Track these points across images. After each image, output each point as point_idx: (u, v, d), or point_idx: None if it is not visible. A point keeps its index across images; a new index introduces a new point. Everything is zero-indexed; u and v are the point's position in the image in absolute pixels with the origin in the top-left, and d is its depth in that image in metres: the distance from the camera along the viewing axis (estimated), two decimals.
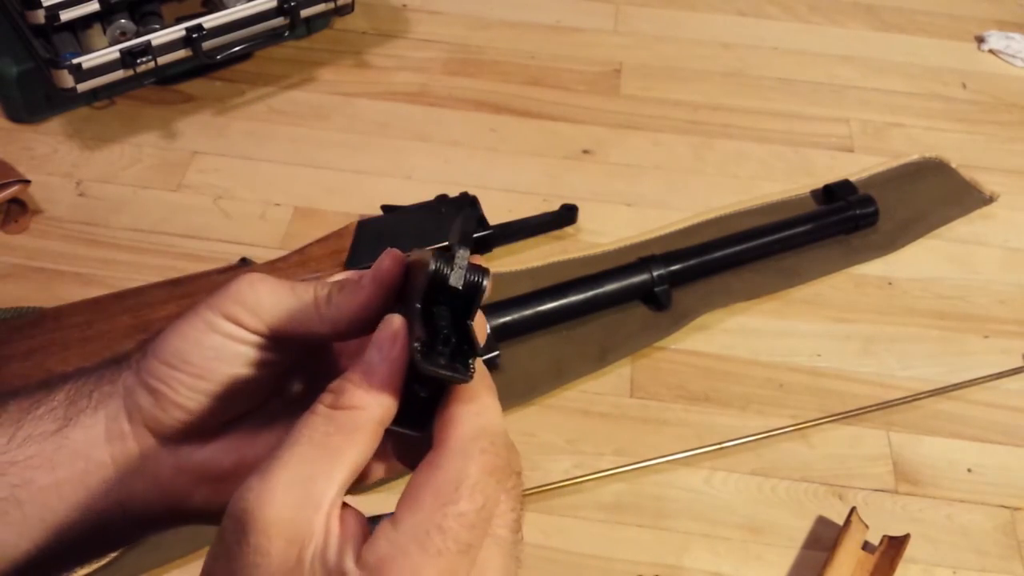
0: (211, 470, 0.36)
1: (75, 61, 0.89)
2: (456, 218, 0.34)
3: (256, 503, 0.28)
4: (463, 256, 0.31)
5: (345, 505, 0.30)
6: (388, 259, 0.34)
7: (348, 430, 0.30)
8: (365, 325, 0.34)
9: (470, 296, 0.31)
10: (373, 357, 0.31)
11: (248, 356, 0.35)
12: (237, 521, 0.28)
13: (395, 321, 0.31)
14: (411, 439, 0.32)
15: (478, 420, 0.30)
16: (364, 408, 0.30)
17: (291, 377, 0.38)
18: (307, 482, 0.28)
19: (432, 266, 0.31)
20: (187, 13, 0.99)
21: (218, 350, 0.34)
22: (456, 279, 0.31)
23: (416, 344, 0.30)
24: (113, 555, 0.68)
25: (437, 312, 0.31)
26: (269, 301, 0.35)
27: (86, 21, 0.93)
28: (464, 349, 0.31)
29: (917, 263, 0.92)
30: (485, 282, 0.31)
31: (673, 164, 1.00)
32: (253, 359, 0.35)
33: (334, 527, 0.29)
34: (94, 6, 0.91)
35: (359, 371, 0.31)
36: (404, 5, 1.15)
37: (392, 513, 0.29)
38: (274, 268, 0.82)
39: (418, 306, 0.31)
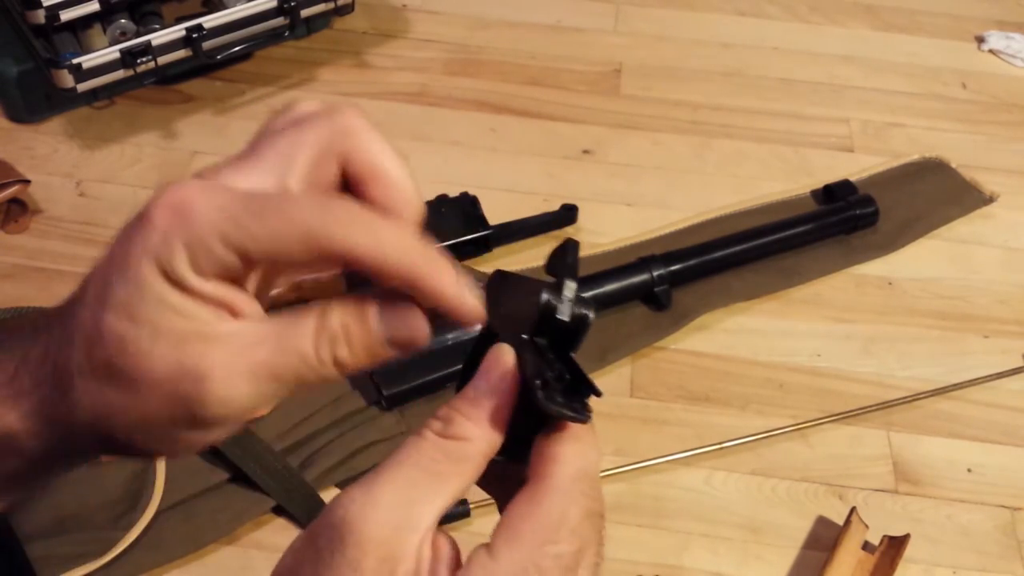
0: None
1: (75, 61, 0.89)
2: (561, 247, 0.32)
3: (359, 517, 0.28)
4: (571, 289, 0.31)
5: (440, 530, 0.29)
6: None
7: (455, 460, 0.30)
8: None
9: (576, 329, 0.31)
10: (484, 390, 0.30)
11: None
12: (335, 531, 0.28)
13: (507, 356, 0.31)
14: (498, 465, 0.32)
15: (582, 461, 0.30)
16: (473, 441, 0.30)
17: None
18: (409, 504, 0.28)
19: (543, 298, 0.31)
20: (187, 13, 0.99)
21: (173, 315, 0.28)
22: (564, 312, 0.31)
23: (537, 382, 0.29)
24: (113, 555, 0.68)
25: (539, 344, 0.31)
26: (223, 225, 0.27)
27: (86, 21, 0.93)
28: (580, 387, 0.31)
29: (917, 263, 0.92)
30: (591, 315, 0.31)
31: (673, 164, 1.00)
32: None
33: (427, 552, 0.29)
34: (94, 6, 0.91)
35: (469, 402, 0.30)
36: (404, 5, 1.15)
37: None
38: None
39: (526, 337, 0.31)
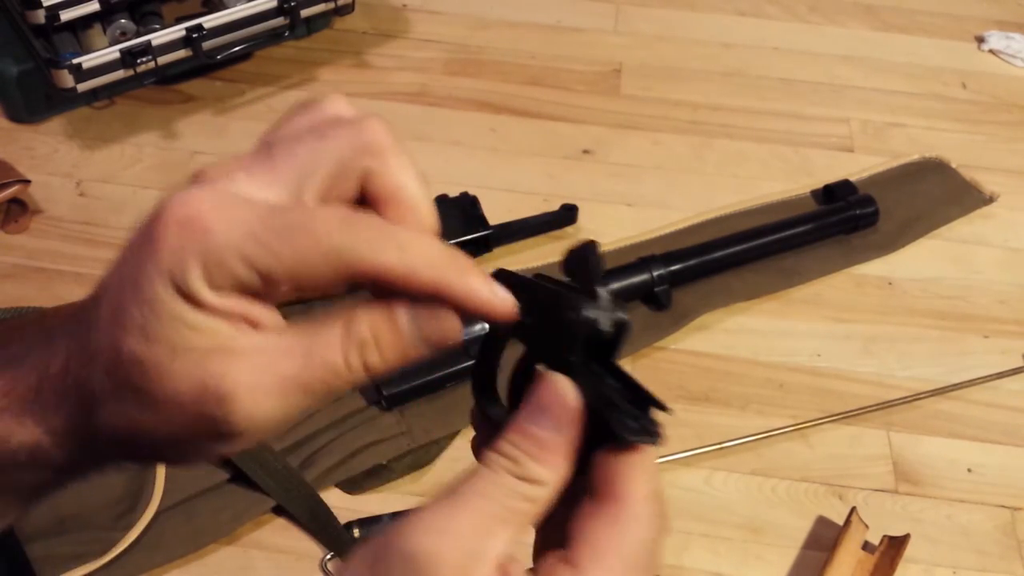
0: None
1: (75, 61, 0.89)
2: (580, 248, 0.31)
3: (435, 546, 0.28)
4: (606, 298, 0.30)
5: (510, 556, 0.30)
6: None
7: (529, 499, 0.30)
8: None
9: (617, 338, 0.30)
10: (552, 429, 0.30)
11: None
12: (408, 559, 0.28)
13: (569, 391, 0.30)
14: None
15: (653, 482, 0.30)
16: (546, 484, 0.30)
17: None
18: (484, 536, 0.29)
19: (588, 315, 0.29)
20: (187, 13, 0.99)
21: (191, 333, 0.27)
22: (606, 323, 0.30)
23: (616, 415, 0.29)
24: (113, 555, 0.68)
25: (591, 364, 0.30)
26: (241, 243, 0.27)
27: (86, 21, 0.93)
28: (643, 403, 0.30)
29: (917, 263, 0.92)
30: (628, 320, 0.30)
31: (673, 164, 1.00)
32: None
33: None
34: (94, 6, 0.91)
35: (539, 445, 0.30)
36: (404, 5, 1.15)
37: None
38: None
39: (575, 359, 0.30)
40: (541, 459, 0.29)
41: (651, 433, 0.29)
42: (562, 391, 0.30)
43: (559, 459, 0.30)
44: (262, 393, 0.28)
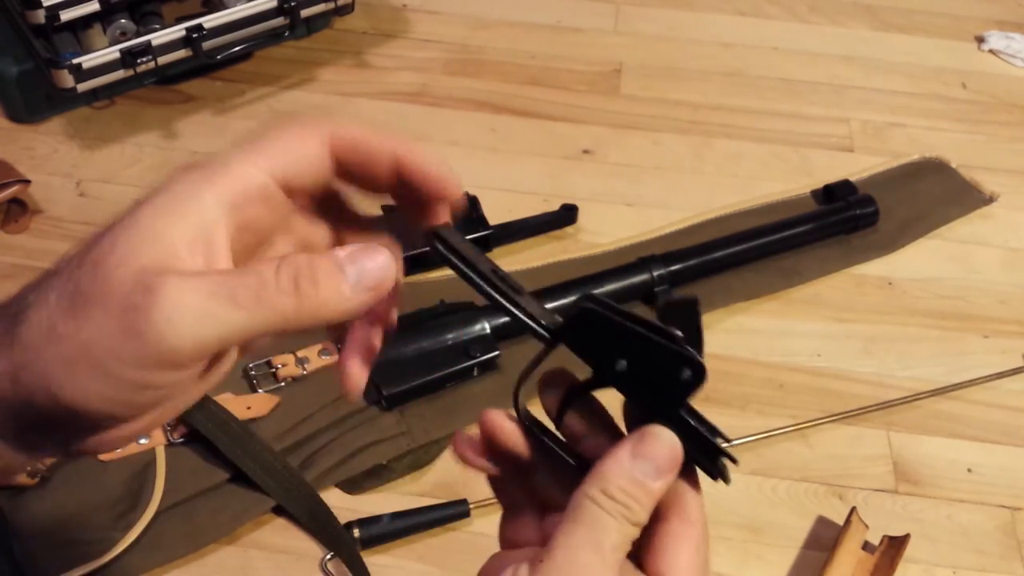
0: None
1: (75, 61, 0.89)
2: (684, 305, 0.34)
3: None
4: (688, 349, 0.34)
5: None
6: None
7: (633, 538, 0.33)
8: None
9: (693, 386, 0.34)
10: (661, 482, 0.33)
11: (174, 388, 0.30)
12: None
13: (679, 449, 0.33)
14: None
15: (702, 554, 0.35)
16: (643, 523, 0.33)
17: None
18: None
19: (690, 376, 0.34)
20: (187, 13, 0.99)
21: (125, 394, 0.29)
22: (697, 377, 0.34)
23: (705, 462, 0.34)
24: (113, 555, 0.68)
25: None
26: (209, 338, 0.29)
27: (86, 21, 0.93)
28: (715, 443, 0.34)
29: (917, 263, 0.92)
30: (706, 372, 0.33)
31: (673, 164, 1.00)
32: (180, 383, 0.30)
33: None
34: (94, 6, 0.91)
35: (647, 495, 0.33)
36: (404, 5, 1.15)
37: None
38: None
39: (682, 414, 0.34)
40: (649, 507, 0.33)
41: (726, 475, 0.34)
42: (674, 449, 0.33)
43: (655, 501, 0.33)
44: (189, 292, 0.28)
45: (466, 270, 0.33)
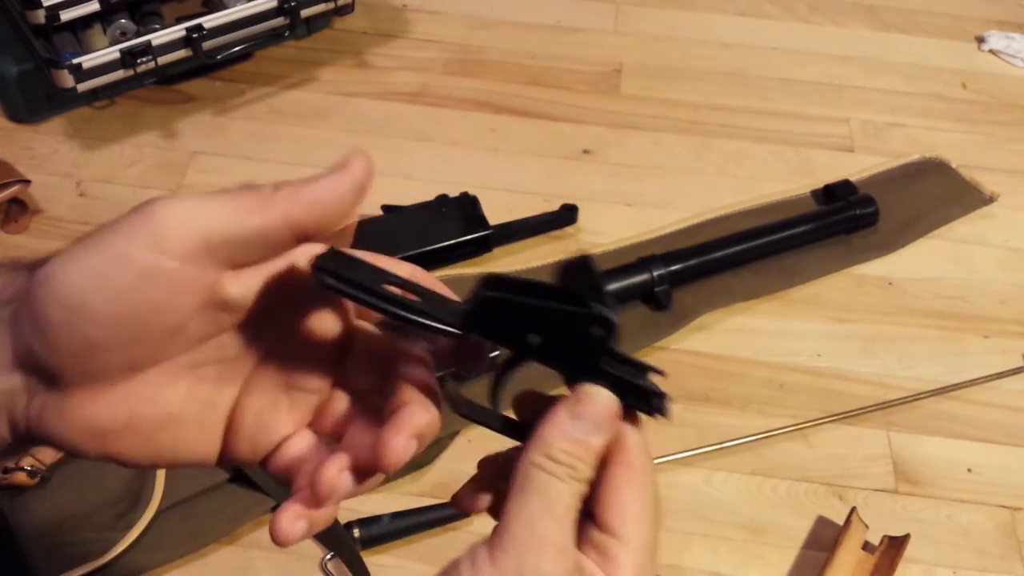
0: (97, 425, 0.33)
1: (75, 61, 0.89)
2: (577, 264, 0.34)
3: (545, 565, 0.32)
4: (609, 302, 0.33)
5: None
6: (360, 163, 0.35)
7: (582, 496, 0.34)
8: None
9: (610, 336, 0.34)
10: (601, 438, 0.33)
11: (172, 303, 0.31)
12: None
13: (613, 402, 0.34)
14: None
15: (648, 494, 0.35)
16: (590, 480, 0.34)
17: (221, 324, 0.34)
18: (569, 537, 0.33)
19: (610, 318, 0.33)
20: (187, 13, 0.99)
21: (131, 292, 0.31)
22: (608, 330, 0.33)
23: (640, 403, 0.34)
24: (113, 555, 0.68)
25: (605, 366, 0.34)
26: (206, 226, 0.31)
27: (86, 21, 0.93)
28: (645, 378, 0.34)
29: (917, 263, 0.92)
30: (616, 320, 0.33)
31: (673, 164, 1.00)
32: (179, 306, 0.32)
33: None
34: (94, 6, 0.91)
35: (589, 452, 0.33)
36: (404, 5, 1.15)
37: None
38: None
39: (605, 368, 0.33)
40: (594, 463, 0.33)
41: (664, 410, 0.34)
42: (608, 402, 0.33)
43: (601, 456, 0.34)
44: (192, 197, 0.32)
45: (358, 295, 0.33)
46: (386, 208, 0.89)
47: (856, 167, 0.99)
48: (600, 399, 0.33)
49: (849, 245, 0.92)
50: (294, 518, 0.34)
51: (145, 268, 0.30)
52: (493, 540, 0.32)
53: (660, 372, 0.34)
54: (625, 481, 0.34)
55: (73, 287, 0.31)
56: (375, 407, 0.36)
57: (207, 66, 1.00)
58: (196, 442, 0.35)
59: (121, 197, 0.92)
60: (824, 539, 0.72)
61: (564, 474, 0.33)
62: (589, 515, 0.34)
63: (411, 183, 0.95)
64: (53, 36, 0.92)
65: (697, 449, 0.77)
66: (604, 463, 0.34)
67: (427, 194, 0.90)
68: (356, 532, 0.70)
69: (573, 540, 0.32)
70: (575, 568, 0.32)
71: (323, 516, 0.35)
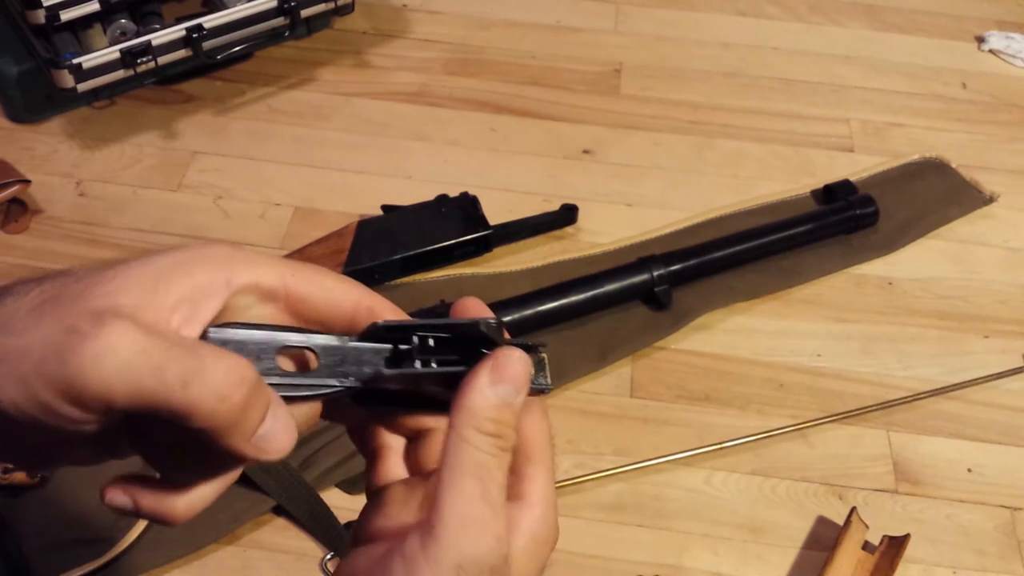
0: None
1: (75, 61, 0.89)
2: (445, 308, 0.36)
3: (477, 546, 0.31)
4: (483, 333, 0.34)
5: None
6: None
7: (507, 461, 0.33)
8: None
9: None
10: (519, 397, 0.33)
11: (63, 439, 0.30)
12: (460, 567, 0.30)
13: (526, 361, 0.33)
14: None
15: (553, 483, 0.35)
16: (513, 446, 0.33)
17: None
18: (500, 511, 0.32)
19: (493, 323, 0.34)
20: (187, 13, 0.99)
21: (46, 438, 0.29)
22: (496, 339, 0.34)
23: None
24: (113, 555, 0.68)
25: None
26: (135, 388, 0.28)
27: (86, 21, 0.93)
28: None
29: (917, 263, 0.92)
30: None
31: (673, 164, 1.00)
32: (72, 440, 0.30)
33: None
34: (94, 6, 0.91)
35: (512, 414, 0.33)
36: (404, 5, 1.15)
37: None
38: None
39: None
40: (516, 428, 0.33)
41: (545, 387, 0.35)
42: (524, 362, 0.33)
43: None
44: (129, 341, 0.28)
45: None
46: (386, 208, 0.89)
47: (856, 167, 0.99)
48: (517, 359, 0.33)
49: (849, 245, 0.92)
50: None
51: (47, 405, 0.28)
52: (425, 530, 0.30)
53: (543, 345, 0.36)
54: (526, 510, 0.34)
55: None
56: None
57: (207, 66, 1.00)
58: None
59: (121, 197, 0.92)
60: (824, 539, 0.72)
61: (494, 447, 0.32)
62: None
63: (411, 183, 0.95)
64: (53, 36, 0.92)
65: (697, 449, 0.77)
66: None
67: (427, 194, 0.90)
68: None
69: (504, 522, 0.31)
70: (506, 554, 0.31)
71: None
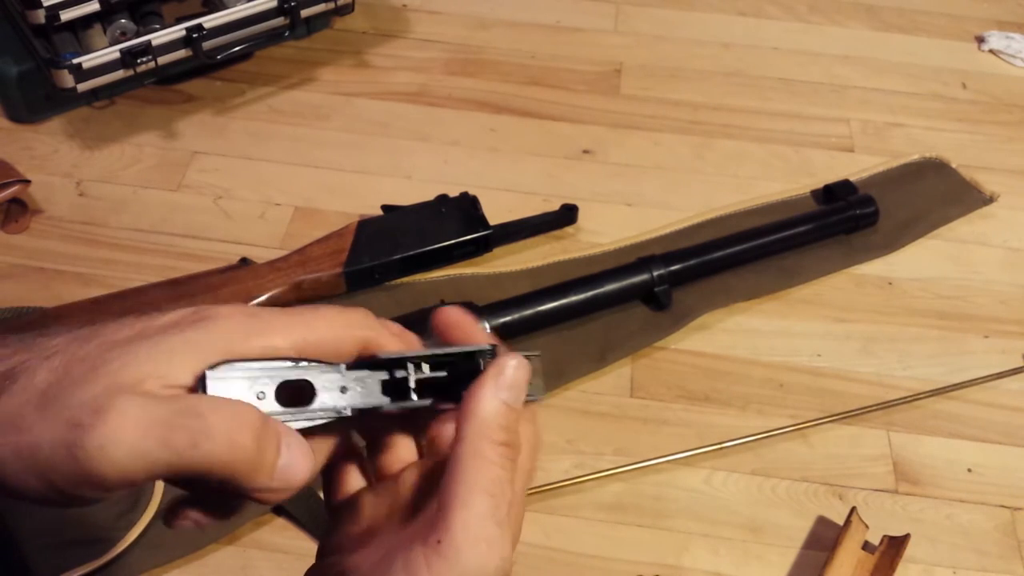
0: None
1: (75, 61, 0.89)
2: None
3: (493, 560, 0.31)
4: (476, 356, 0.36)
5: None
6: None
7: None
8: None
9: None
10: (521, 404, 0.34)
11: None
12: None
13: (526, 365, 0.34)
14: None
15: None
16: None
17: None
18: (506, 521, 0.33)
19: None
20: (187, 13, 0.99)
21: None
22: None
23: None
24: (113, 555, 0.68)
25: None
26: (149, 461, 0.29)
27: (86, 21, 0.93)
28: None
29: (917, 263, 0.92)
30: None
31: (673, 164, 1.00)
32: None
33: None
34: (94, 6, 0.91)
35: (517, 422, 0.33)
36: (404, 5, 1.15)
37: None
38: (274, 268, 0.82)
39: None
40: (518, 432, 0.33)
41: (536, 396, 0.36)
42: (524, 367, 0.34)
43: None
44: (133, 420, 0.28)
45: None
46: (386, 208, 0.89)
47: (856, 167, 0.99)
48: (519, 364, 0.34)
49: (849, 245, 0.92)
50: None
51: (69, 493, 0.30)
52: (430, 542, 0.30)
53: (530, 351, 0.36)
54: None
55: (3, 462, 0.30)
56: None
57: (207, 66, 1.00)
58: None
59: (121, 197, 0.92)
60: (824, 539, 0.72)
61: (506, 460, 0.32)
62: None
63: (411, 183, 0.95)
64: (53, 36, 0.92)
65: (697, 449, 0.77)
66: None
67: (427, 194, 0.90)
68: None
69: (511, 542, 0.31)
70: (509, 572, 0.31)
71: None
